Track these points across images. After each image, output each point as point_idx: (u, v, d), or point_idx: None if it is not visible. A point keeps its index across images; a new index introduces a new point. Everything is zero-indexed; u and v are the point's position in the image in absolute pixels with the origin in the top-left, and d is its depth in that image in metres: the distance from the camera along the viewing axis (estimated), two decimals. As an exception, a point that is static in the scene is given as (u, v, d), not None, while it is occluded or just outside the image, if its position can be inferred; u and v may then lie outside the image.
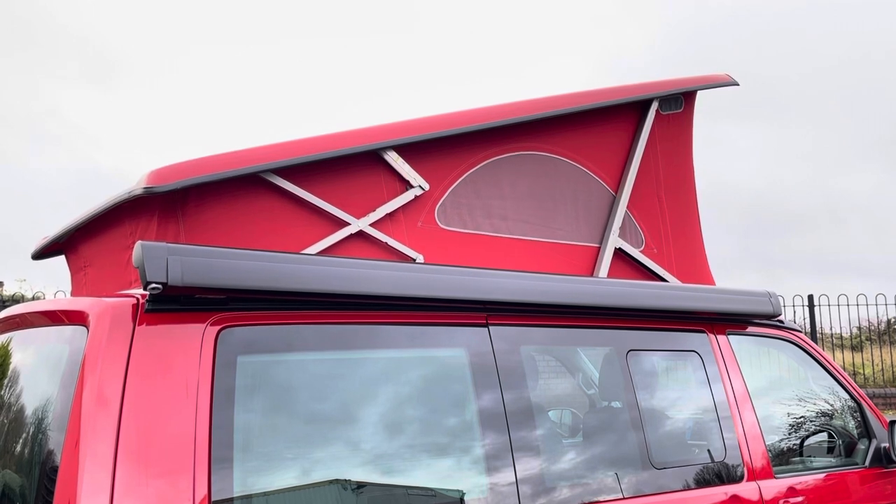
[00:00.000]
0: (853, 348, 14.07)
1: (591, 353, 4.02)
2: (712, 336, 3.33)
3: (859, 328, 14.07)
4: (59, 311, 2.32)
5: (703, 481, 2.97)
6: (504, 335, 2.66)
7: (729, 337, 3.40)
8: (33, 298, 10.87)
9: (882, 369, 12.75)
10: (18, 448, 2.25)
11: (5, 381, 2.56)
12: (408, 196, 3.25)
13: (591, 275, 3.72)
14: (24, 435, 2.26)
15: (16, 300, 11.10)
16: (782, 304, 11.17)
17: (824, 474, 3.44)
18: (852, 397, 3.77)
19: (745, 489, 3.07)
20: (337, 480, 2.20)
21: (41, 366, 2.37)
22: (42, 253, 3.67)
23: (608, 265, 3.76)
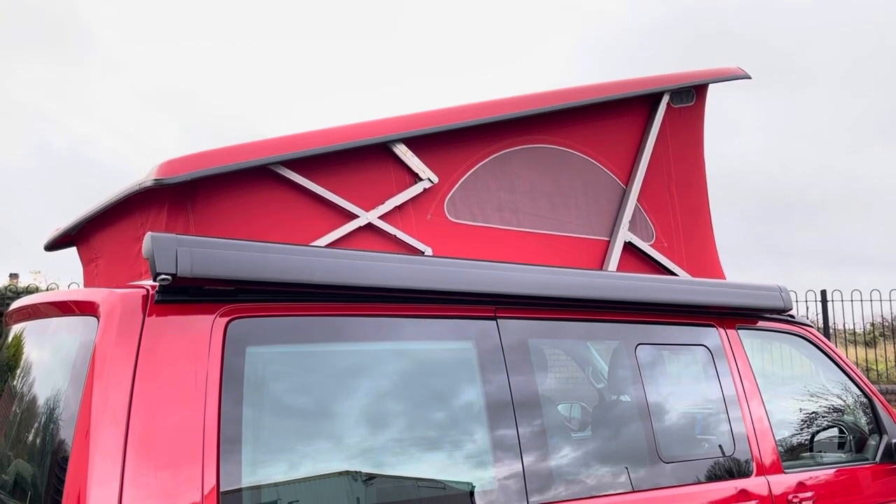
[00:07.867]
0: (866, 344, 13.97)
1: (601, 346, 4.01)
2: (722, 330, 3.31)
3: (873, 324, 13.96)
4: (70, 301, 2.33)
5: (712, 475, 2.96)
6: (512, 328, 2.66)
7: (739, 331, 3.38)
8: (47, 290, 10.95)
9: (895, 365, 12.65)
10: (30, 437, 2.28)
11: (18, 371, 2.58)
12: (417, 189, 3.25)
13: (601, 269, 3.71)
14: (35, 424, 2.29)
15: (30, 292, 11.18)
16: (794, 298, 11.13)
17: (834, 470, 3.42)
18: (863, 393, 3.74)
19: (754, 484, 3.06)
20: (345, 471, 2.21)
21: (52, 356, 2.40)
22: (54, 244, 3.70)
23: (618, 259, 3.75)
